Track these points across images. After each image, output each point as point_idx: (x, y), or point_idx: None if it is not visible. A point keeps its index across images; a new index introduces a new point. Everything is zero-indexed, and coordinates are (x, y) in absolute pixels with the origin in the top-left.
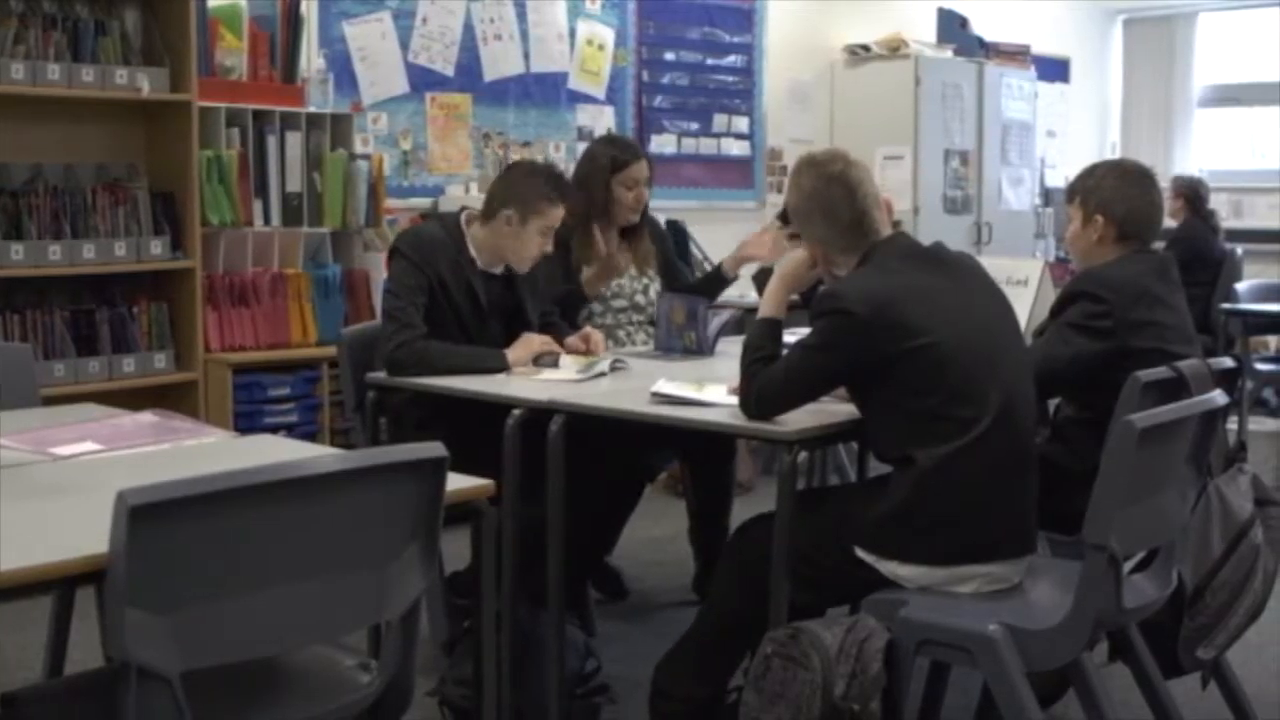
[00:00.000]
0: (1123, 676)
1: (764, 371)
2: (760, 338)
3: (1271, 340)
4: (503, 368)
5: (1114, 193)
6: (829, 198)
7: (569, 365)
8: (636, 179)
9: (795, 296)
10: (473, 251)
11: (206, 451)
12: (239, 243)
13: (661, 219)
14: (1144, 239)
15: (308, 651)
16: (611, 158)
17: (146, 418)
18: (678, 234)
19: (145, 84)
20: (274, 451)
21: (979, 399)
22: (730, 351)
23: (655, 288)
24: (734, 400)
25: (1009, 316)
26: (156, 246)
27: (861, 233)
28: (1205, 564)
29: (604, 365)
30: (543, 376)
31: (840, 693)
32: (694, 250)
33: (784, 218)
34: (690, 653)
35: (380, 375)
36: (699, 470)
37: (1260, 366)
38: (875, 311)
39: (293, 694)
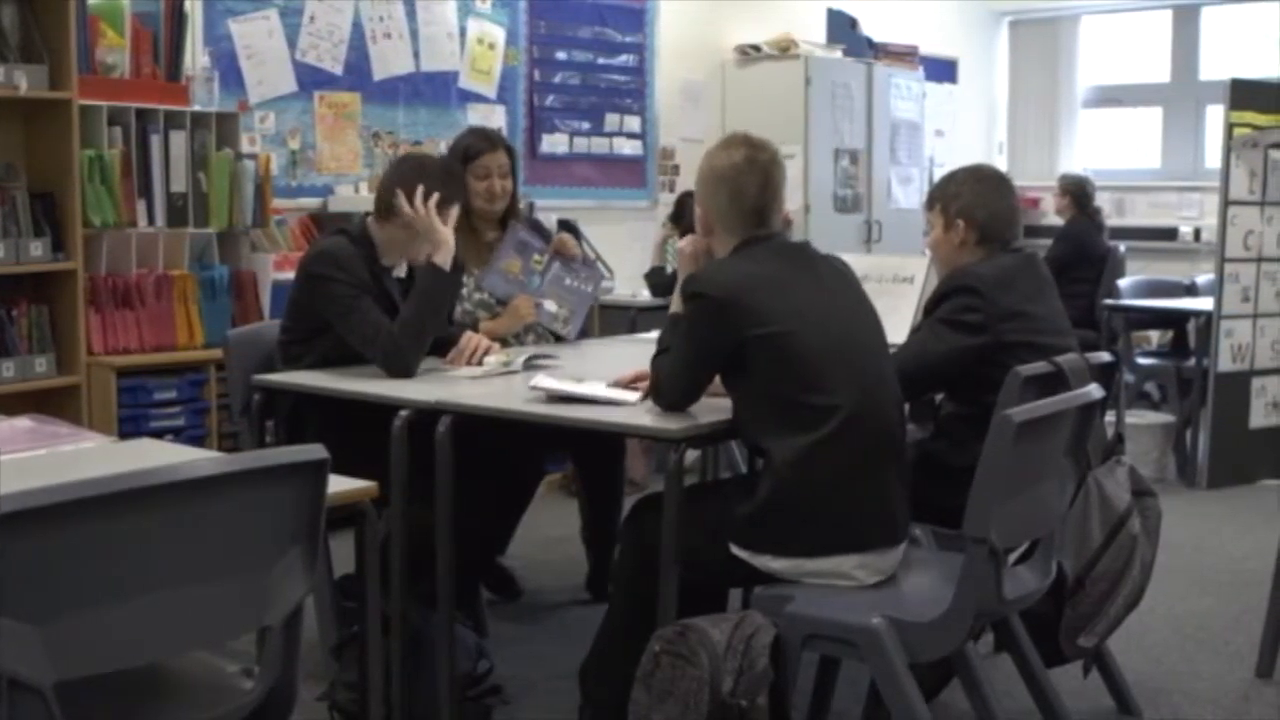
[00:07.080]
0: (1008, 668)
1: (662, 363)
2: (664, 333)
3: (1153, 335)
4: (457, 280)
5: (974, 198)
6: (742, 181)
7: (491, 360)
8: (488, 169)
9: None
10: (381, 257)
11: (84, 456)
12: (122, 244)
13: (553, 218)
14: (1004, 241)
15: (189, 658)
16: (465, 147)
17: (23, 423)
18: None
19: (23, 81)
20: (153, 456)
21: (832, 393)
22: (613, 349)
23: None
24: (616, 394)
25: (871, 318)
26: (37, 248)
27: (755, 223)
28: (1085, 554)
29: (517, 364)
30: (462, 373)
31: (728, 689)
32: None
33: (675, 218)
34: (608, 640)
35: (266, 376)
36: (590, 469)
37: (1142, 361)
38: (728, 296)
39: (173, 701)
